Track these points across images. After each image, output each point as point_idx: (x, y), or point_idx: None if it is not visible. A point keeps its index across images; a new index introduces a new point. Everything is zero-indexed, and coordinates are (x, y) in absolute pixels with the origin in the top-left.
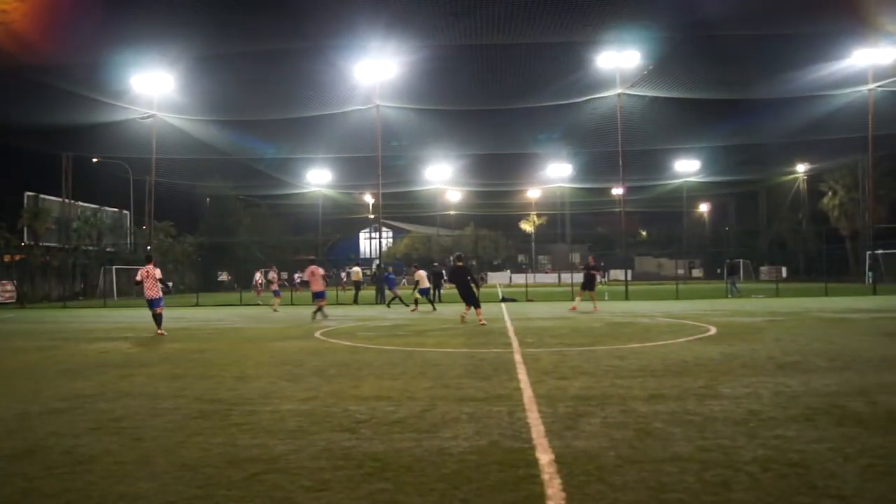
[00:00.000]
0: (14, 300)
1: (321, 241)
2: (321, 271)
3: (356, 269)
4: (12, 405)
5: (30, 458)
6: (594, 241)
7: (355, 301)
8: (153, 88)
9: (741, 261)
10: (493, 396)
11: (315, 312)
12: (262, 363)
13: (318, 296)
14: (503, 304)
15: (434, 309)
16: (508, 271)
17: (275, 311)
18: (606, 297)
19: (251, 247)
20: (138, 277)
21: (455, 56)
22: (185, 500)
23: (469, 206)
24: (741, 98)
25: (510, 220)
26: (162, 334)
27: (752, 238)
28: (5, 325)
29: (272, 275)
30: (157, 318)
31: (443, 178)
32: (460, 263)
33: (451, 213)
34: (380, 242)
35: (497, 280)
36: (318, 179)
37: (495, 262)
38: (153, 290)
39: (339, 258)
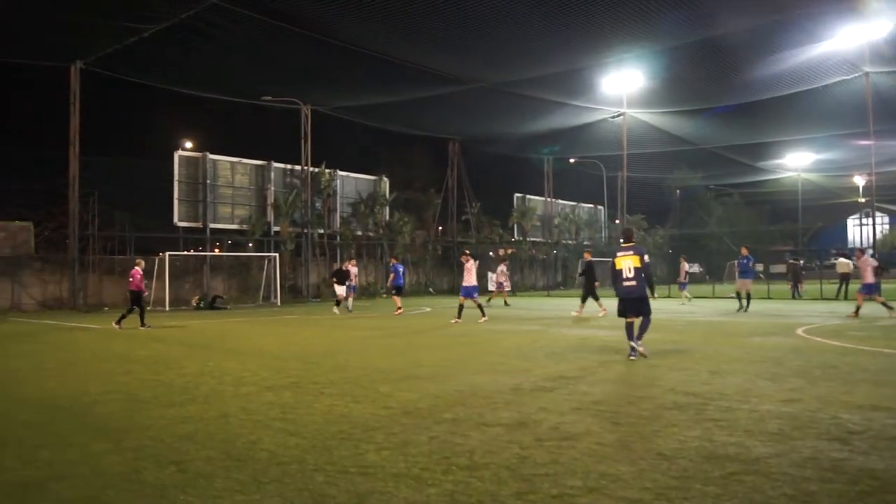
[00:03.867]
0: (510, 289)
1: (801, 230)
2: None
3: (842, 259)
4: (508, 380)
5: (523, 429)
6: None
7: (839, 296)
8: (623, 87)
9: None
10: None
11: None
12: (737, 358)
13: None
14: None
15: None
16: None
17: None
18: None
19: (722, 238)
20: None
21: None
22: (661, 488)
23: None
24: None
25: None
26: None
27: None
28: (501, 310)
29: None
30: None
31: None
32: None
33: None
34: (873, 230)
35: None
36: (797, 163)
37: None
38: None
39: (821, 248)
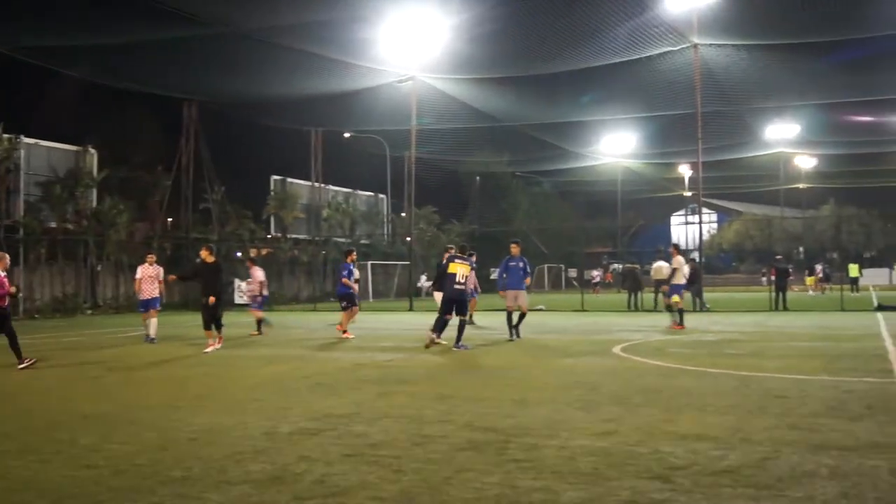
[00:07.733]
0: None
1: (620, 228)
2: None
3: (659, 263)
4: (261, 422)
5: (278, 485)
6: None
7: (656, 306)
8: (412, 45)
9: None
10: (866, 445)
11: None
12: (546, 384)
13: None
14: (880, 315)
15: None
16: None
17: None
18: None
19: (531, 236)
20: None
21: None
22: None
23: (828, 176)
24: None
25: (891, 195)
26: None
27: None
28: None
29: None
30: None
31: (788, 139)
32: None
33: (801, 186)
34: (699, 228)
35: (872, 280)
36: (616, 149)
37: (867, 255)
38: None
39: (642, 250)
